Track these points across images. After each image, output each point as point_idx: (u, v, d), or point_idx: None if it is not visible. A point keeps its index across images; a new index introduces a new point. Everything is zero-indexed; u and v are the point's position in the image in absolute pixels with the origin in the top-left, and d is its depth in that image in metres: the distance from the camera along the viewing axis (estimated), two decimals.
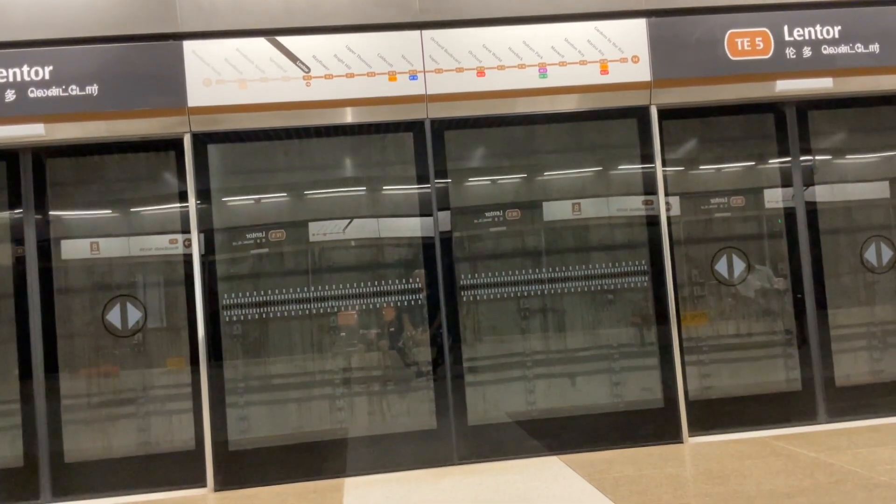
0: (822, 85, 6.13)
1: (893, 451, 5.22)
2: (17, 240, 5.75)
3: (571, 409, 6.05)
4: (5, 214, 5.77)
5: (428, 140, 5.91)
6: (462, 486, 5.17)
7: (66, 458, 5.65)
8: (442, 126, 5.92)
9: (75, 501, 5.56)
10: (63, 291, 5.82)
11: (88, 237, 5.91)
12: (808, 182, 6.36)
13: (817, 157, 6.40)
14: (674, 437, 5.93)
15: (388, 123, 5.94)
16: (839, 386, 6.23)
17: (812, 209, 6.35)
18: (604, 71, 5.95)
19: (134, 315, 5.82)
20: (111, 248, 5.93)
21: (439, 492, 5.07)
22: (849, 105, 6.42)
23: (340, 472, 5.68)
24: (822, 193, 6.39)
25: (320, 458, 5.72)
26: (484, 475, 5.43)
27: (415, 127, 5.92)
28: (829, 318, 6.30)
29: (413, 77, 5.83)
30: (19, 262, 5.74)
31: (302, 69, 5.76)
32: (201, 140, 5.75)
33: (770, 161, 6.41)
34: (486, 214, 6.11)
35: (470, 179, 6.20)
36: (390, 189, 6.15)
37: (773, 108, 6.33)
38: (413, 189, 5.97)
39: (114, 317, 5.80)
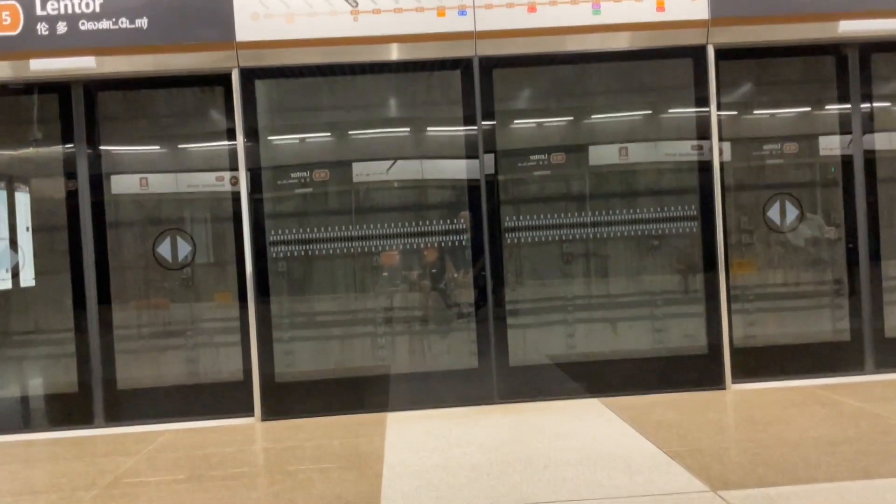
0: (888, 26, 5.86)
1: None
2: (70, 173, 5.85)
3: (614, 352, 6.05)
4: (58, 147, 5.87)
5: (476, 79, 5.82)
6: (502, 424, 5.22)
7: (118, 385, 5.84)
8: (490, 64, 5.82)
9: (127, 426, 5.75)
10: (114, 225, 5.93)
11: (138, 172, 5.99)
12: (868, 129, 6.14)
13: (879, 104, 6.17)
14: (717, 383, 5.89)
15: (436, 61, 5.86)
16: (888, 337, 6.12)
17: (870, 157, 6.15)
18: (660, 7, 5.75)
19: (184, 249, 5.92)
20: (160, 183, 6.01)
21: (480, 428, 5.14)
22: None
23: (383, 407, 5.78)
24: (881, 141, 6.18)
25: (363, 393, 5.83)
26: (524, 414, 5.48)
27: (462, 64, 5.83)
28: (881, 269, 6.16)
29: (462, 12, 5.71)
30: (72, 195, 5.85)
31: (350, 3, 5.68)
32: (249, 75, 5.75)
33: (828, 106, 6.20)
34: (532, 158, 6.04)
35: (517, 121, 6.12)
36: (435, 130, 6.10)
37: (835, 49, 6.09)
38: (459, 130, 5.91)
39: (164, 250, 5.91)
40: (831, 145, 6.21)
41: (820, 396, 5.51)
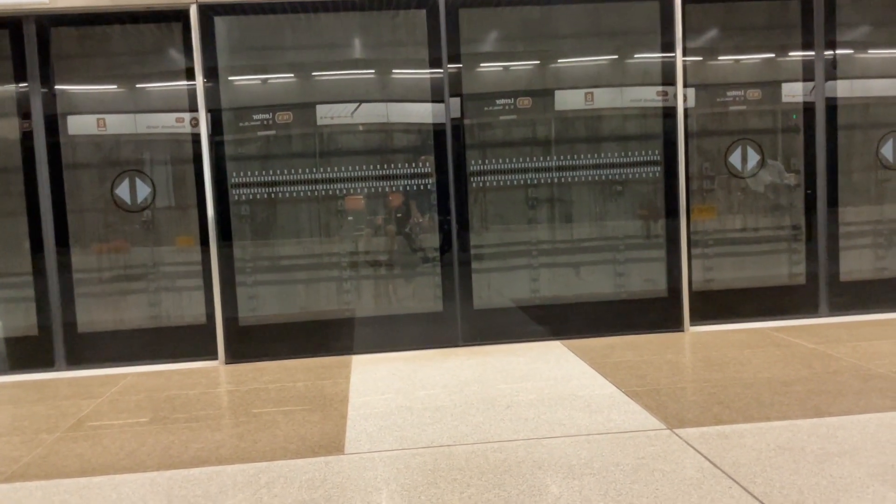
0: None
1: (892, 344, 5.29)
2: (24, 113, 5.68)
3: (576, 296, 6.13)
4: (11, 87, 5.68)
5: (441, 19, 5.72)
6: (466, 366, 5.29)
7: (79, 328, 5.78)
8: (456, 3, 5.73)
9: (89, 369, 5.72)
10: (71, 167, 5.79)
11: (95, 113, 5.83)
12: (830, 76, 6.19)
13: (841, 51, 6.20)
14: (675, 325, 6.02)
15: None
16: (843, 281, 6.28)
17: (832, 104, 6.21)
18: None
19: (143, 191, 5.81)
20: (118, 124, 5.86)
21: (444, 370, 5.20)
22: None
23: (348, 350, 5.82)
24: (843, 88, 6.23)
25: (328, 337, 5.85)
26: (487, 356, 5.55)
27: (428, 4, 5.72)
28: (838, 215, 6.28)
29: None
30: (27, 136, 5.69)
31: None
32: (207, 11, 5.58)
33: (792, 53, 6.22)
34: (498, 102, 5.99)
35: (483, 64, 6.04)
36: (401, 72, 6.00)
37: None
38: (425, 73, 5.83)
39: (123, 192, 5.80)
40: (794, 92, 6.25)
41: (775, 338, 5.66)
